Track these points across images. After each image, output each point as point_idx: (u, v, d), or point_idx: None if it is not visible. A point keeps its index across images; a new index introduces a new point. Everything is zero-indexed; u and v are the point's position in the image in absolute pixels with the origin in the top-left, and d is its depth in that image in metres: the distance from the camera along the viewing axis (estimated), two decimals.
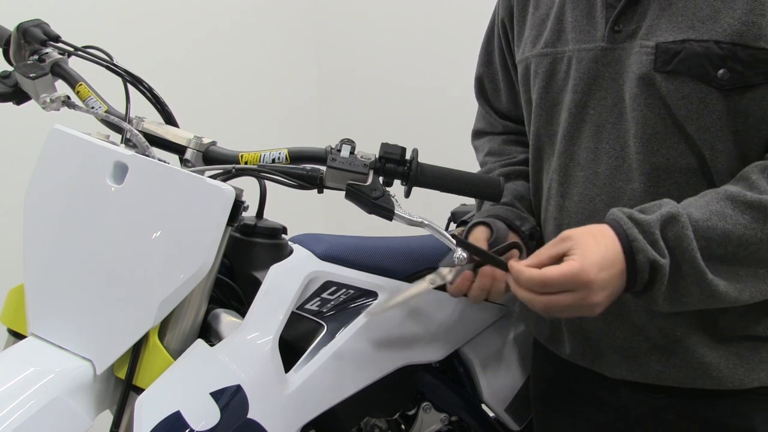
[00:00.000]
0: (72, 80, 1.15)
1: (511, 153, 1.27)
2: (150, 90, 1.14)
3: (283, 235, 1.14)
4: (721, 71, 0.95)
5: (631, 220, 0.92)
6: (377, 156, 0.99)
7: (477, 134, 1.37)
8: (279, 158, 1.03)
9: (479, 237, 1.09)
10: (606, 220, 0.94)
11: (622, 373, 1.08)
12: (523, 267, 0.91)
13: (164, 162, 0.99)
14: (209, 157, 1.08)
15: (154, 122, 1.12)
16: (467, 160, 1.35)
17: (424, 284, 1.00)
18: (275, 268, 1.05)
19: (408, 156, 1.00)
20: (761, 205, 0.91)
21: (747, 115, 0.96)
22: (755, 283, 0.94)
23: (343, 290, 1.11)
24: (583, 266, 0.88)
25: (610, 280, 0.90)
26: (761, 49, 0.93)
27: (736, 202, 0.92)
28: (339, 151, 0.99)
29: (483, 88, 1.33)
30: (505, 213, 1.14)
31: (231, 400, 0.94)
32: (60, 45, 1.18)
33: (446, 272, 1.00)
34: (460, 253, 0.98)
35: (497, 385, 1.29)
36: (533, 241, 1.14)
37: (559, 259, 0.91)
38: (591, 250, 0.89)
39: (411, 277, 1.19)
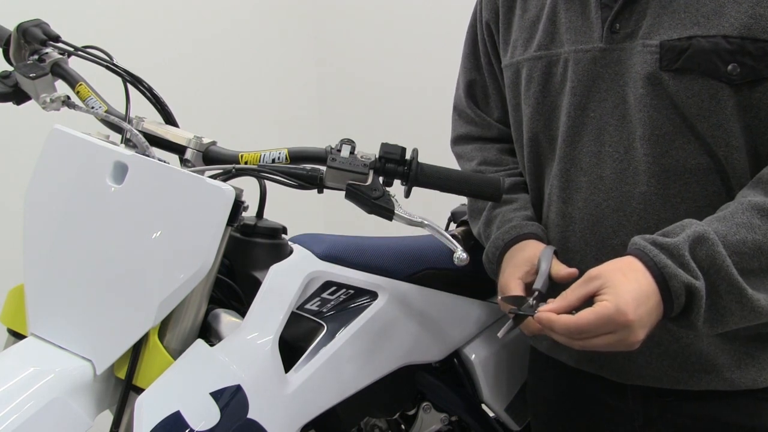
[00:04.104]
0: (72, 80, 1.15)
1: (509, 163, 1.23)
2: (150, 90, 1.14)
3: (283, 235, 1.14)
4: (731, 66, 0.93)
5: (656, 246, 0.88)
6: (377, 156, 0.99)
7: (462, 139, 1.29)
8: (279, 158, 1.03)
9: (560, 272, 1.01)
10: (629, 251, 0.91)
11: (632, 379, 1.06)
12: (554, 316, 0.86)
13: (164, 162, 0.98)
14: (209, 157, 1.08)
15: (154, 122, 1.12)
16: None
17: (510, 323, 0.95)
18: (275, 268, 1.05)
19: (408, 156, 0.99)
20: None
21: (758, 109, 0.95)
22: None
23: (343, 290, 1.11)
24: (618, 306, 0.84)
25: (649, 314, 0.86)
26: None
27: (763, 210, 0.90)
28: (339, 151, 0.99)
29: (473, 93, 1.27)
30: (543, 233, 1.11)
31: (231, 400, 0.94)
32: (60, 45, 1.18)
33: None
34: (460, 253, 0.98)
35: (497, 385, 1.29)
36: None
37: (588, 300, 0.87)
38: (623, 287, 0.85)
39: (411, 277, 1.19)
